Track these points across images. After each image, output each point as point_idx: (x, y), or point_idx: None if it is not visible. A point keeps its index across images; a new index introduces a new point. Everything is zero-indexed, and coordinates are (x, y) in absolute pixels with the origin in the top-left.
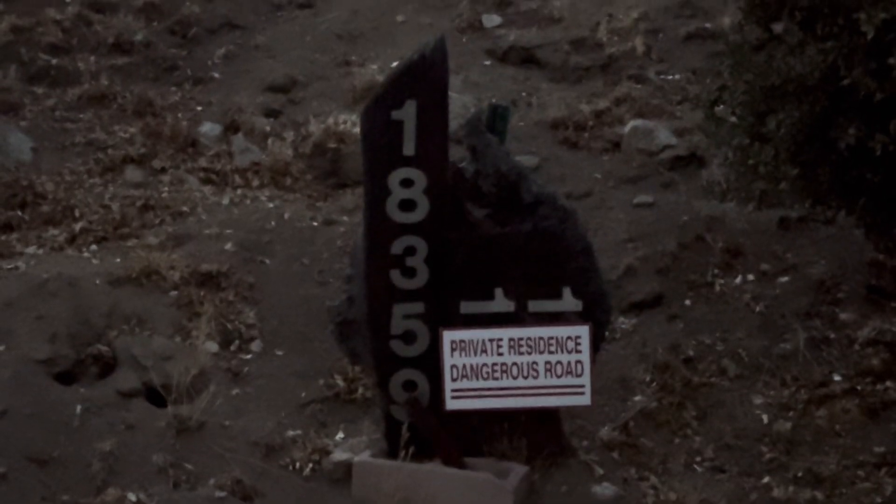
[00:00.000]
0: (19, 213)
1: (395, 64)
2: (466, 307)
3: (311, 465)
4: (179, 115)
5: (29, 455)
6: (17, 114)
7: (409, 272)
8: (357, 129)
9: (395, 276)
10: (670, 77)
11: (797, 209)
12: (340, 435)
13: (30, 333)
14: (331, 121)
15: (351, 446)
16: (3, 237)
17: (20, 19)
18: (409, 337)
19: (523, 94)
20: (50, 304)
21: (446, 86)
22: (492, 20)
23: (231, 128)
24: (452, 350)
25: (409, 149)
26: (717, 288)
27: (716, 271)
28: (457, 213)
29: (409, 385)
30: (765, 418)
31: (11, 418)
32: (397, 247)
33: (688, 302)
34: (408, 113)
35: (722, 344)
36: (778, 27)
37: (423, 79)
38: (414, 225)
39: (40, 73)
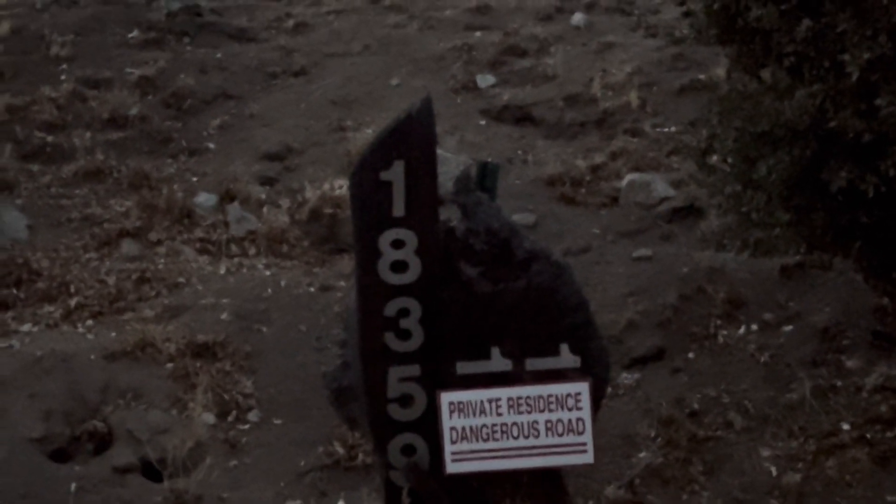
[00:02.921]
0: (14, 291)
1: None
2: (463, 367)
3: None
4: (175, 186)
5: None
6: (13, 192)
7: (404, 334)
8: None
9: (390, 338)
10: (665, 129)
11: (793, 256)
12: (341, 503)
13: (23, 412)
14: (326, 186)
15: None
16: None
17: (15, 98)
18: (405, 400)
19: (519, 151)
20: (44, 382)
21: (434, 145)
22: (486, 80)
23: (226, 197)
24: (451, 412)
25: (398, 209)
26: (720, 339)
27: (718, 322)
28: (449, 272)
29: (409, 449)
30: (773, 471)
31: (5, 499)
32: (391, 309)
33: (691, 355)
34: (396, 173)
35: (727, 396)
36: (766, 74)
37: (411, 139)
38: (406, 286)
39: (35, 150)
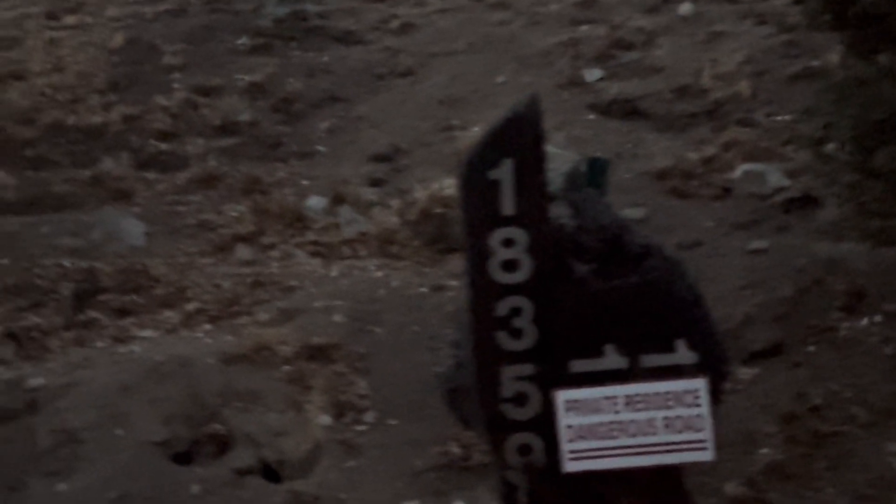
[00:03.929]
0: (134, 297)
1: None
2: (577, 366)
3: None
4: (286, 190)
5: None
6: (130, 200)
7: (516, 333)
8: None
9: (502, 337)
10: (779, 118)
11: None
12: (458, 503)
13: (146, 416)
14: (435, 186)
15: None
16: (120, 322)
17: (130, 108)
18: (520, 399)
19: (628, 145)
20: (165, 386)
21: (543, 142)
22: (593, 74)
23: (337, 200)
24: (567, 410)
25: (508, 208)
26: (842, 332)
27: (839, 315)
28: (561, 270)
29: (525, 449)
30: None
31: (130, 501)
32: (502, 308)
33: (811, 348)
34: (505, 172)
35: (850, 390)
36: (883, 59)
37: (519, 136)
38: (518, 285)
39: (151, 158)
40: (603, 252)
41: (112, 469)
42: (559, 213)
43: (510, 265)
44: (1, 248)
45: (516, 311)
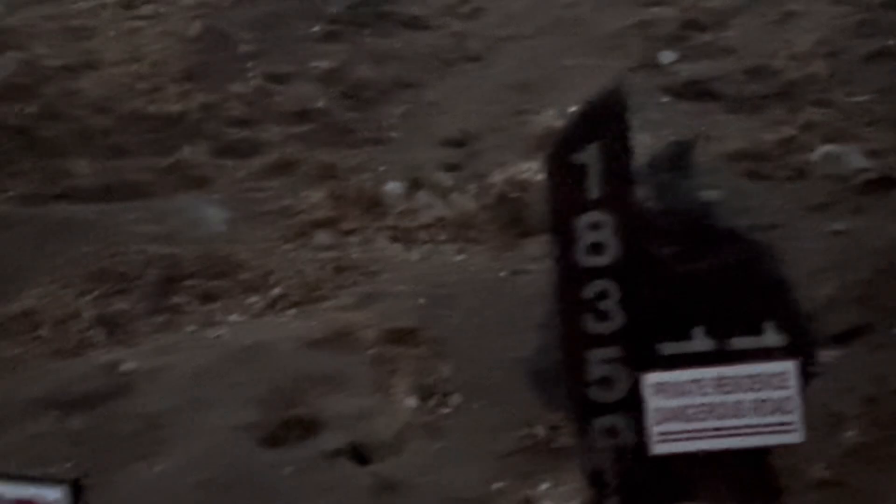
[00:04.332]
0: (218, 282)
1: (572, 108)
2: (664, 348)
3: None
4: (363, 176)
5: None
6: (210, 187)
7: (603, 316)
8: (538, 177)
9: (589, 320)
10: (856, 99)
11: None
12: (545, 485)
13: (234, 400)
14: (512, 170)
15: (556, 496)
16: (206, 307)
17: (208, 96)
18: (607, 382)
19: (702, 127)
20: (252, 370)
21: (628, 126)
22: (665, 57)
23: (414, 185)
24: (654, 393)
25: (594, 192)
26: None
27: None
28: (646, 253)
29: (611, 431)
30: None
31: (219, 485)
32: (589, 291)
33: (893, 331)
34: (591, 156)
35: None
36: None
37: (605, 120)
38: (604, 268)
39: (228, 146)
40: (688, 235)
41: (201, 452)
42: (644, 196)
43: (596, 248)
44: (84, 236)
45: (603, 294)
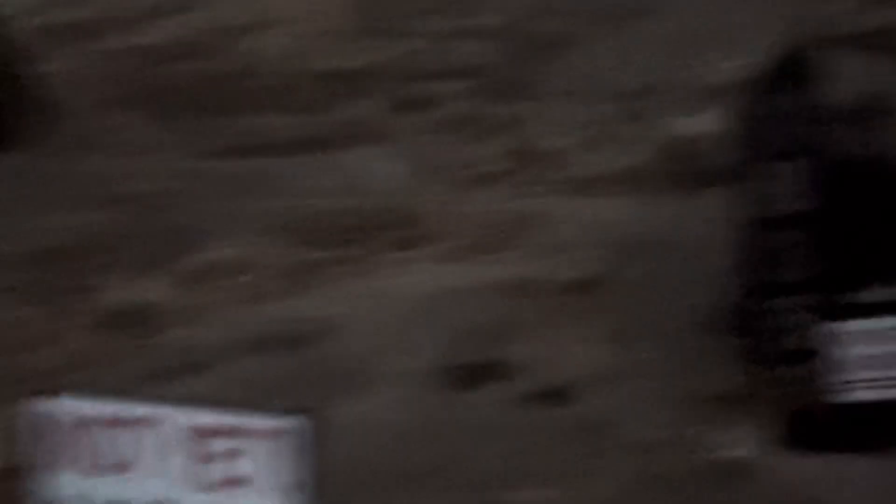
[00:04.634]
0: (400, 233)
1: (754, 58)
2: (854, 297)
3: (705, 460)
4: (537, 129)
5: (439, 455)
6: (386, 141)
7: (792, 264)
8: (715, 129)
9: (777, 269)
10: None
11: None
12: (730, 431)
13: (427, 344)
14: (688, 122)
15: (741, 442)
16: (388, 256)
17: (381, 52)
18: (794, 331)
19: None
20: (444, 315)
21: (819, 74)
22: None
23: (589, 138)
24: (846, 341)
25: (788, 140)
26: None
27: None
28: (838, 201)
29: (797, 380)
30: None
31: (418, 425)
32: (777, 240)
33: None
34: (781, 105)
35: None
36: None
37: (796, 69)
38: (793, 217)
39: (403, 100)
40: (880, 183)
41: (399, 393)
42: (835, 144)
43: (785, 197)
44: (271, 189)
45: (792, 243)
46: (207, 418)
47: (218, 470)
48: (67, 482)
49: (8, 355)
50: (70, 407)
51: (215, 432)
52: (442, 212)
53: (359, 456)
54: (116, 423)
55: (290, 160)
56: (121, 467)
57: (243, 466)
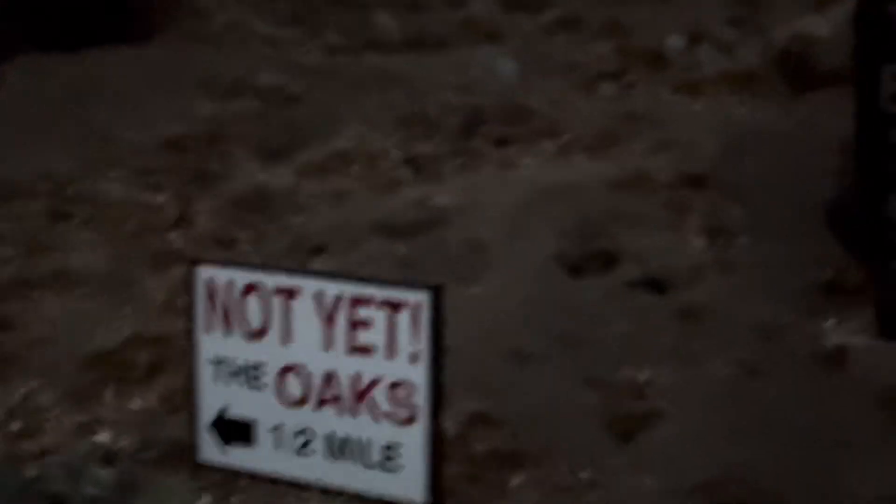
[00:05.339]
0: (513, 129)
1: None
2: None
3: (807, 348)
4: (646, 31)
5: (553, 335)
6: (500, 40)
7: None
8: (824, 31)
9: (891, 165)
10: None
11: None
12: (833, 320)
13: (541, 232)
14: (797, 24)
15: (844, 332)
16: (503, 151)
17: None
18: None
19: None
20: (555, 206)
21: None
22: None
23: (696, 39)
24: None
25: None
26: None
27: None
28: None
29: None
30: None
31: (532, 307)
32: (893, 137)
33: None
34: None
35: None
36: None
37: None
38: None
39: (515, 1)
40: None
41: (516, 277)
42: None
43: None
44: (392, 84)
45: None
46: (339, 289)
47: (349, 338)
48: (216, 345)
49: (144, 235)
50: (222, 274)
51: (349, 302)
52: (552, 110)
53: (477, 334)
54: (254, 290)
55: (407, 57)
56: (258, 333)
57: (373, 335)
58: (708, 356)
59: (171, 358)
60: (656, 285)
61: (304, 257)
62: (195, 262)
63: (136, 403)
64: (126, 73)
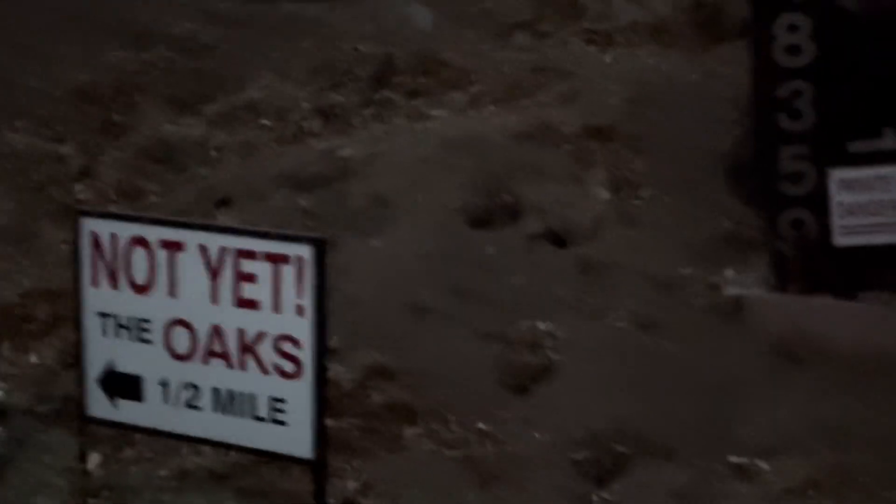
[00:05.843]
0: (424, 79)
1: None
2: (854, 146)
3: (704, 299)
4: None
5: (452, 289)
6: None
7: (796, 114)
8: None
9: (782, 119)
10: None
11: None
12: (730, 272)
13: (445, 184)
14: None
15: (741, 282)
16: (413, 102)
17: None
18: (796, 177)
19: None
20: (459, 158)
21: None
22: None
23: None
24: (841, 188)
25: None
26: None
27: None
28: (841, 53)
29: (797, 223)
30: None
31: (434, 258)
32: (784, 90)
33: None
34: None
35: None
36: None
37: None
38: (800, 69)
39: None
40: (884, 36)
41: (418, 230)
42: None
43: (793, 49)
44: (304, 32)
45: (797, 94)
46: (228, 242)
47: (235, 291)
48: (103, 298)
49: (47, 186)
50: (108, 227)
51: (234, 255)
52: (464, 61)
53: (377, 287)
54: (139, 243)
55: (320, 5)
56: (144, 286)
57: (259, 289)
58: (607, 309)
59: (69, 313)
60: (557, 238)
61: (210, 209)
62: (81, 213)
63: (32, 358)
64: (32, 18)
